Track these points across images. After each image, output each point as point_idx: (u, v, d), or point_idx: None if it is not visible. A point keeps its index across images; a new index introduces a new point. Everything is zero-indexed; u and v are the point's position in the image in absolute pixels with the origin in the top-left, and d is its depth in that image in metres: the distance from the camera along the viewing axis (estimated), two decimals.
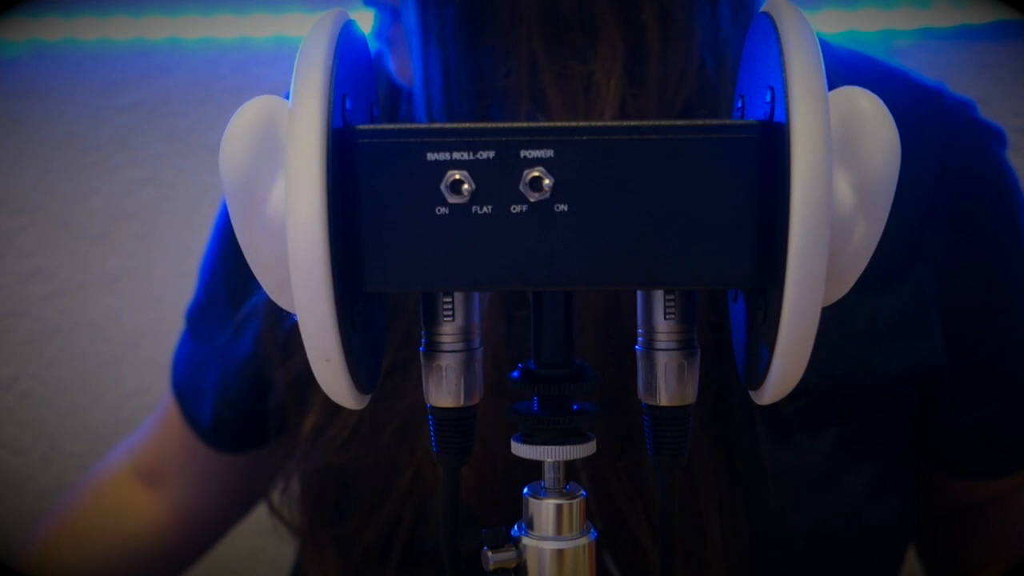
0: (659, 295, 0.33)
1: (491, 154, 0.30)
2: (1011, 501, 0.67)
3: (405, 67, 0.58)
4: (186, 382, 0.71)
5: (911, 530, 0.65)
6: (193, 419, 0.71)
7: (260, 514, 0.69)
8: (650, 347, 0.34)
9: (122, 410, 1.11)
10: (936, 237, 0.59)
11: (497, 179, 0.30)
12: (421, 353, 0.34)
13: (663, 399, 0.34)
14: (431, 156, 0.30)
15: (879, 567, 0.63)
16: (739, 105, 0.35)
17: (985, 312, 0.62)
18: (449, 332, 0.34)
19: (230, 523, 0.77)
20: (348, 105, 0.31)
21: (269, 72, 1.05)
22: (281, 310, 0.60)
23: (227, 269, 0.69)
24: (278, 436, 0.67)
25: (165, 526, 0.73)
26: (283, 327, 0.62)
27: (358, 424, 0.59)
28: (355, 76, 0.32)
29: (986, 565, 0.67)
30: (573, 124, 0.30)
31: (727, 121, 0.30)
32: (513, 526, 0.36)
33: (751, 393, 0.33)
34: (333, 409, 0.60)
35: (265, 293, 0.63)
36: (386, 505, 0.60)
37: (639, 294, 0.34)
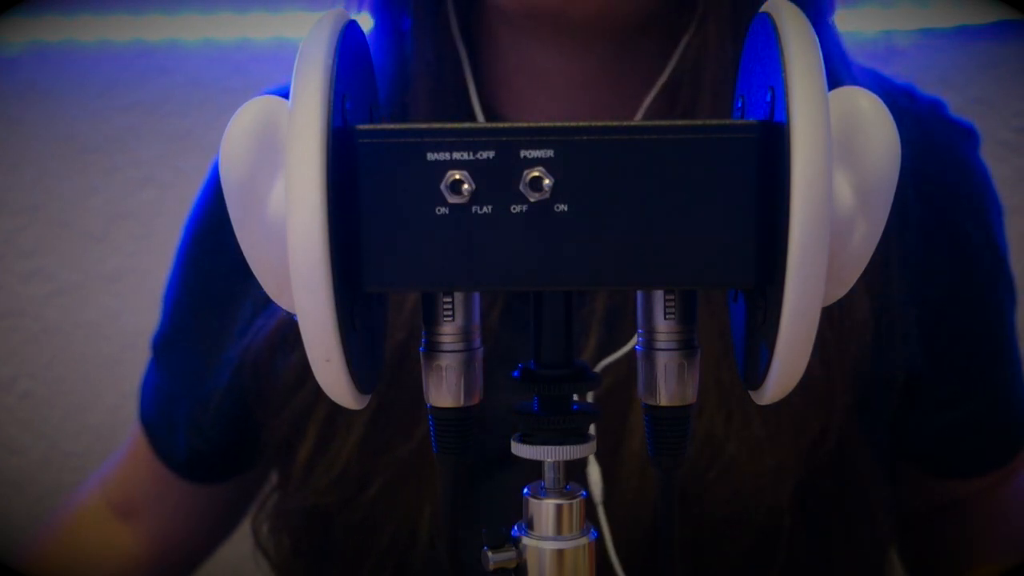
0: (659, 295, 0.33)
1: (491, 154, 0.30)
2: (989, 498, 0.67)
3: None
4: (155, 415, 0.69)
5: (889, 530, 0.65)
6: (165, 452, 0.69)
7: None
8: (650, 347, 0.34)
9: (122, 410, 1.11)
10: (910, 239, 0.59)
11: (497, 179, 0.30)
12: (421, 353, 0.34)
13: (663, 399, 0.34)
14: (431, 156, 0.30)
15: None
16: (739, 105, 0.35)
17: (959, 312, 0.62)
18: (449, 332, 0.34)
19: (210, 550, 0.75)
20: (348, 105, 0.31)
21: (269, 72, 1.05)
22: (269, 344, 0.60)
23: (193, 298, 0.67)
24: (256, 466, 0.66)
25: (142, 559, 0.71)
26: (274, 360, 0.61)
27: (347, 466, 0.59)
28: (355, 76, 0.32)
29: (966, 562, 0.67)
30: (573, 124, 0.30)
31: (727, 121, 0.30)
32: (513, 526, 0.36)
33: (751, 394, 0.33)
34: (323, 444, 0.59)
35: (243, 324, 0.62)
36: (365, 564, 0.60)
37: (639, 294, 0.34)
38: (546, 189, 0.30)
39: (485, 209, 0.30)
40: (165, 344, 0.69)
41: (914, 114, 0.62)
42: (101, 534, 0.72)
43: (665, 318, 0.33)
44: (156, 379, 0.69)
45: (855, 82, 0.58)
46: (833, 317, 0.55)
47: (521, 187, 0.30)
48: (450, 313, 0.33)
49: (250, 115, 0.31)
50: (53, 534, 0.73)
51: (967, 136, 0.64)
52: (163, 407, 0.69)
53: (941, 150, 0.62)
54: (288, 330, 0.60)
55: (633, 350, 0.56)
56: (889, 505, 0.64)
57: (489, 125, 0.30)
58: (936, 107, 0.64)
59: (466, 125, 0.30)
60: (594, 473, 0.56)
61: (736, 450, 0.55)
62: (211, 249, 0.66)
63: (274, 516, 0.64)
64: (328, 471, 0.59)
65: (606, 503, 0.56)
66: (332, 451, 0.59)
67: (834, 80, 0.55)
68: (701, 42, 0.55)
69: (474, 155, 0.30)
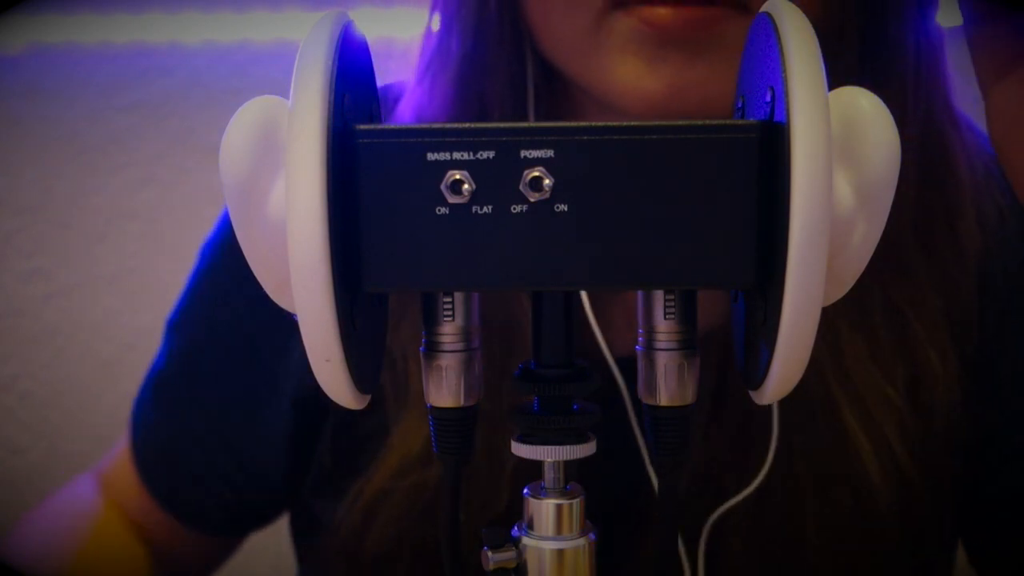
0: (659, 295, 0.33)
1: (491, 154, 0.30)
2: None
3: None
4: (154, 458, 0.65)
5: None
6: (168, 500, 0.64)
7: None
8: (650, 347, 0.34)
9: (122, 410, 1.10)
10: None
11: (497, 179, 0.30)
12: (421, 353, 0.34)
13: (663, 399, 0.34)
14: (431, 156, 0.30)
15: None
16: (739, 105, 0.35)
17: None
18: (449, 332, 0.34)
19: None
20: (348, 105, 0.31)
21: (270, 72, 1.05)
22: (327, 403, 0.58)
23: (214, 339, 0.62)
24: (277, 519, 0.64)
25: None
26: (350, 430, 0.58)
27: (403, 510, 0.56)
28: (355, 76, 0.32)
29: None
30: (573, 124, 0.30)
31: (727, 121, 0.30)
32: (513, 526, 0.36)
33: (751, 393, 0.33)
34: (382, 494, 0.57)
35: (295, 374, 0.59)
36: None
37: (639, 294, 0.34)
38: (546, 189, 0.30)
39: (485, 209, 0.30)
40: (166, 384, 0.65)
41: None
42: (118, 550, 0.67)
43: (665, 318, 0.33)
44: (153, 418, 0.65)
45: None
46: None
47: (521, 187, 0.30)
48: (450, 313, 0.33)
49: (250, 115, 0.31)
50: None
51: None
52: (163, 450, 0.65)
53: None
54: None
55: None
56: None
57: (489, 125, 0.30)
58: None
59: (466, 125, 0.30)
60: None
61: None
62: (249, 291, 0.62)
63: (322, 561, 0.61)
64: (386, 524, 0.56)
65: None
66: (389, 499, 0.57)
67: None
68: None
69: (474, 155, 0.30)
